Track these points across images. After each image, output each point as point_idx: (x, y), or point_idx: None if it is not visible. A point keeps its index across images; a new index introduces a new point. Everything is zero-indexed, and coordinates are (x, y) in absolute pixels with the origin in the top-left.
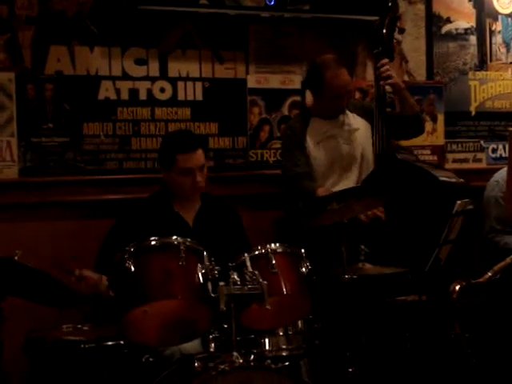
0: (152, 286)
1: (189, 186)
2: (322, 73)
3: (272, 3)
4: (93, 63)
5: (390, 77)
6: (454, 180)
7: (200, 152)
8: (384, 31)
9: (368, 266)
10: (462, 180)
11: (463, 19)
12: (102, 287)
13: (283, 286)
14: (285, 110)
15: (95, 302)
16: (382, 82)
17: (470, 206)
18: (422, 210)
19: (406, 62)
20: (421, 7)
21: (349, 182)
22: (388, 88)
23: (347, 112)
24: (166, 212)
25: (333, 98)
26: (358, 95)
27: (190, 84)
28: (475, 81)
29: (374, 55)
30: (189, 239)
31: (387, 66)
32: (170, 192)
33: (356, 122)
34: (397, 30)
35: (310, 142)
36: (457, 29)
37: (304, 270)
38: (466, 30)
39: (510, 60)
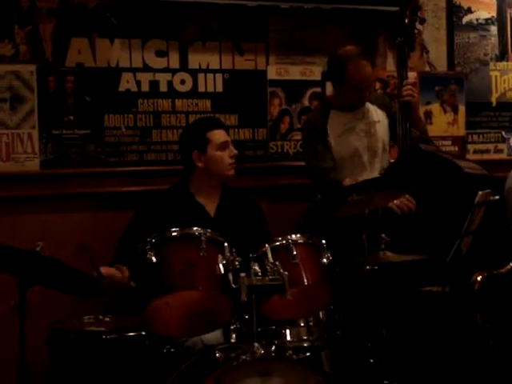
0: (173, 277)
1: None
2: (345, 65)
3: None
4: (113, 55)
5: (411, 95)
6: (478, 172)
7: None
8: (406, 21)
9: (389, 253)
10: (486, 172)
11: (484, 9)
12: (124, 280)
13: (304, 277)
14: (305, 102)
15: (117, 293)
16: (401, 98)
17: (493, 197)
18: (444, 200)
19: (427, 52)
20: None
21: (372, 174)
22: None
23: (368, 104)
24: (189, 203)
25: (355, 91)
26: (378, 86)
27: (210, 76)
28: (496, 71)
29: (397, 45)
30: (209, 230)
31: (410, 86)
32: (198, 181)
33: (376, 114)
34: (418, 20)
35: (331, 135)
36: (477, 19)
37: (325, 260)
38: (486, 20)
39: None
